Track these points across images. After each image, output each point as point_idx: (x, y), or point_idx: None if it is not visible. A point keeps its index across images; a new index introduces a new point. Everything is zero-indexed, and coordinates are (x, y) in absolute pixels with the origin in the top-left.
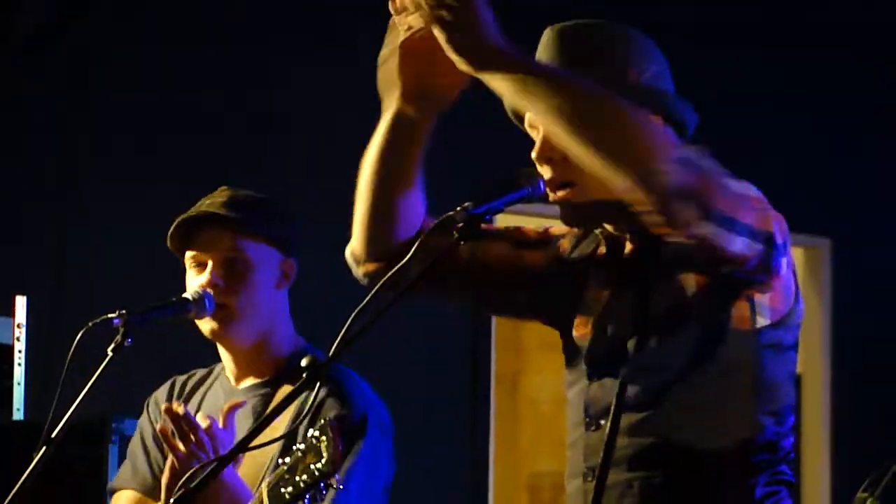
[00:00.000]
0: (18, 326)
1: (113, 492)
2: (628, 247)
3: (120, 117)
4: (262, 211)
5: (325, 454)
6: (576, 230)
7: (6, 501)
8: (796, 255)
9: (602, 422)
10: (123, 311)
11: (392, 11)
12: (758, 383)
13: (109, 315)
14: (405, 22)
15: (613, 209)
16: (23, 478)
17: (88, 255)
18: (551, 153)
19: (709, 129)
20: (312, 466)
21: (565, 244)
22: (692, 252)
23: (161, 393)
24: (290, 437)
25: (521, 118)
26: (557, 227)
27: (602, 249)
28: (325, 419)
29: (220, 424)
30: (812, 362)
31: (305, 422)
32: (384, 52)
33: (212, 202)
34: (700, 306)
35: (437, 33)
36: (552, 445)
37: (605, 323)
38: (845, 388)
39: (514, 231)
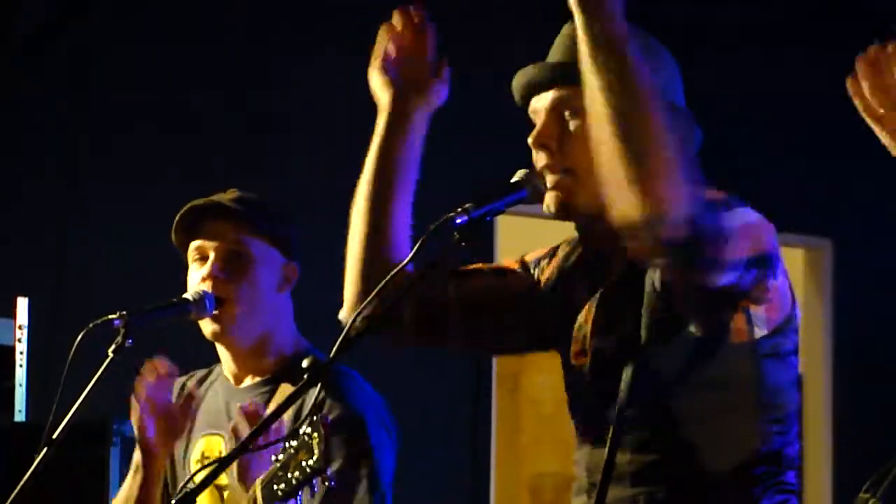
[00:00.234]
0: (20, 328)
1: None
2: (619, 264)
3: (120, 118)
4: (268, 212)
5: (316, 451)
6: (563, 247)
7: (8, 503)
8: (797, 256)
9: (606, 438)
10: (124, 312)
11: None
12: (760, 393)
13: (110, 316)
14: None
15: (604, 202)
16: (24, 479)
17: (89, 257)
18: (548, 140)
19: (710, 131)
20: (304, 463)
21: (543, 265)
22: (679, 294)
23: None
24: (289, 439)
25: (527, 101)
26: (531, 252)
27: (581, 255)
28: (317, 416)
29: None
30: (813, 363)
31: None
32: (374, 55)
33: (219, 197)
34: (695, 321)
35: None
36: (554, 445)
37: (601, 344)
38: (846, 388)
39: (492, 266)
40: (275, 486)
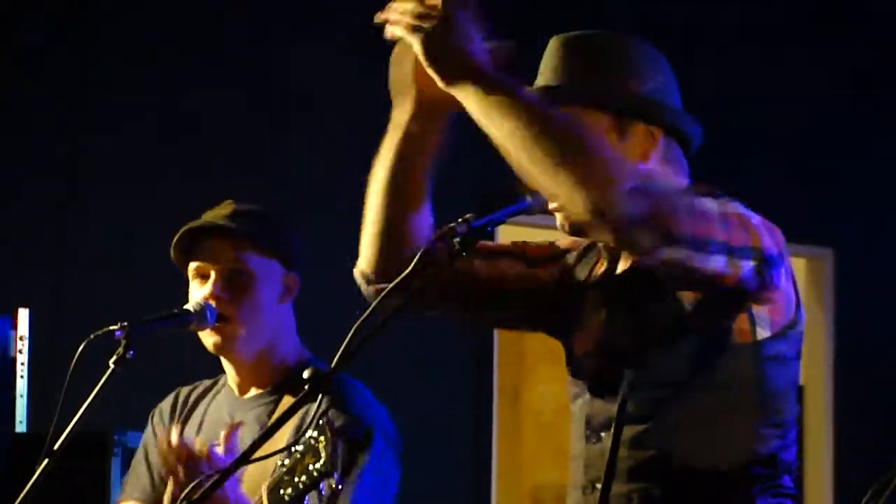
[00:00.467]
0: (21, 339)
1: None
2: (625, 261)
3: (121, 128)
4: (265, 224)
5: (323, 454)
6: (581, 242)
7: None
8: (798, 265)
9: (603, 435)
10: (125, 324)
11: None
12: (760, 396)
13: (111, 327)
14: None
15: None
16: (25, 490)
17: (90, 268)
18: None
19: (711, 138)
20: (311, 467)
21: (570, 259)
22: (668, 275)
23: (165, 405)
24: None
25: None
26: (563, 239)
27: (603, 264)
28: (323, 421)
29: (221, 444)
30: (815, 372)
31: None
32: (396, 51)
33: (215, 214)
34: (698, 320)
35: (414, 42)
36: (554, 456)
37: (605, 337)
38: (848, 398)
39: (523, 248)
40: (281, 491)
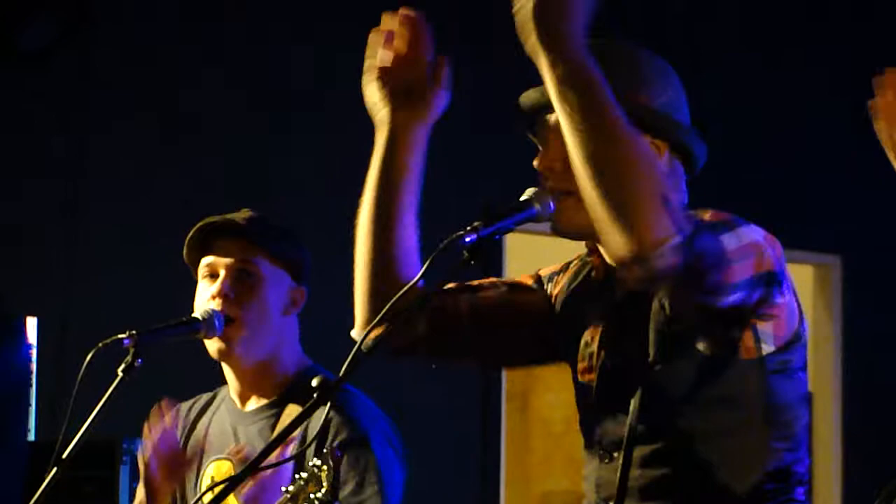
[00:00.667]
0: (30, 348)
1: None
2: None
3: (126, 139)
4: (279, 234)
5: (324, 483)
6: (575, 263)
7: None
8: (806, 273)
9: (615, 454)
10: (133, 332)
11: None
12: (768, 410)
13: (119, 336)
14: (382, 54)
15: None
16: (34, 499)
17: (98, 276)
18: (553, 163)
19: (718, 148)
20: (313, 496)
21: (559, 282)
22: (684, 313)
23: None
24: (298, 460)
25: (531, 123)
26: (546, 268)
27: (595, 276)
28: (327, 448)
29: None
30: (822, 380)
31: (314, 445)
32: (367, 65)
33: (233, 216)
34: (703, 339)
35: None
36: (563, 464)
37: (611, 358)
38: (855, 405)
39: (506, 280)
40: None
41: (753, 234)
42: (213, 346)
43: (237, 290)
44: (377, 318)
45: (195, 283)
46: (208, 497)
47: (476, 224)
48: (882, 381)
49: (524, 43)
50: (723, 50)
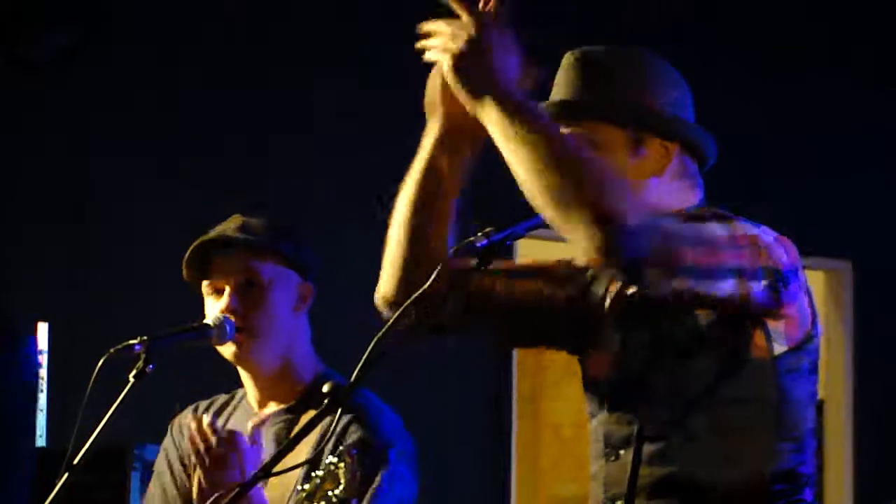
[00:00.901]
0: (40, 353)
1: None
2: None
3: (135, 140)
4: (275, 234)
5: (342, 480)
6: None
7: None
8: (817, 278)
9: (621, 452)
10: (145, 337)
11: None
12: (777, 410)
13: (131, 341)
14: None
15: None
16: None
17: (109, 282)
18: None
19: (729, 153)
20: (330, 493)
21: (587, 278)
22: (678, 303)
23: (184, 417)
24: (312, 463)
25: None
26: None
27: (616, 282)
28: (343, 446)
29: (248, 441)
30: (834, 386)
31: (328, 448)
32: (432, 73)
33: (224, 228)
34: (714, 337)
35: (444, 61)
36: (574, 469)
37: (622, 355)
38: (868, 411)
39: (542, 266)
40: None
41: (752, 229)
42: (227, 350)
43: (244, 303)
44: (393, 318)
45: (202, 294)
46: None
47: (488, 230)
48: (894, 386)
49: (466, 102)
50: (732, 51)
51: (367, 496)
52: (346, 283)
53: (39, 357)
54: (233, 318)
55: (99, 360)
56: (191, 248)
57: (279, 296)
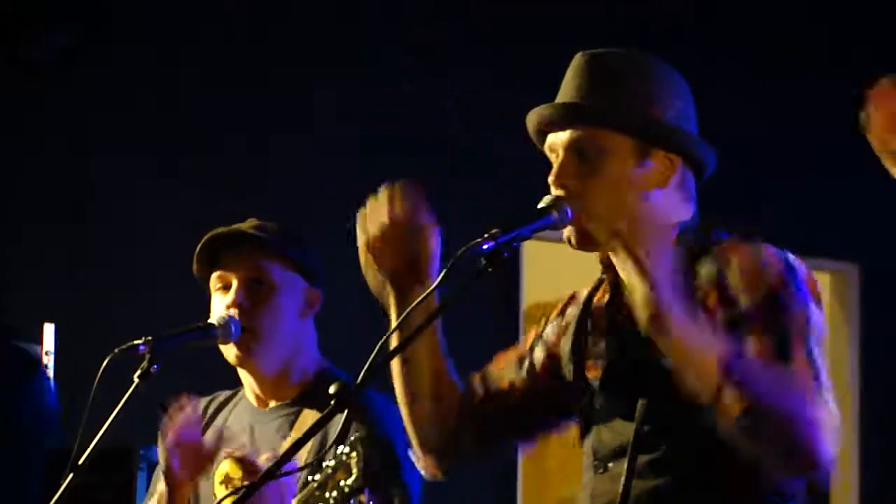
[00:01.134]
0: (46, 354)
1: None
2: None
3: (138, 141)
4: (288, 238)
5: (354, 470)
6: (560, 304)
7: None
8: (824, 280)
9: (610, 465)
10: (149, 338)
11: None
12: None
13: (135, 342)
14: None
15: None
16: None
17: (114, 282)
18: (566, 180)
19: (736, 155)
20: (342, 483)
21: (549, 332)
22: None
23: None
24: (317, 463)
25: (542, 139)
26: (545, 321)
27: (605, 297)
28: (354, 436)
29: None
30: (840, 388)
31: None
32: (361, 247)
33: (238, 225)
34: None
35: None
36: (580, 471)
37: (612, 368)
38: (874, 413)
39: (518, 359)
40: None
41: (801, 296)
42: (230, 352)
43: (251, 300)
44: (399, 320)
45: (210, 293)
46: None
47: (494, 231)
48: None
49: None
50: (732, 51)
51: (395, 477)
52: (345, 284)
53: (45, 358)
54: (238, 316)
55: (104, 360)
56: (203, 240)
57: (286, 300)
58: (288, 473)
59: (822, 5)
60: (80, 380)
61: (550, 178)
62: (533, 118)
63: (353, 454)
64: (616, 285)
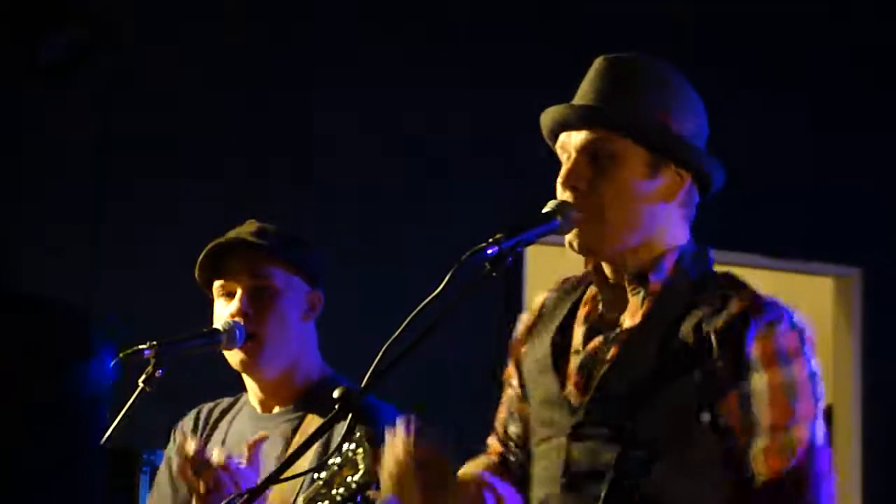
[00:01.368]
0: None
1: None
2: (631, 318)
3: (150, 144)
4: (288, 241)
5: (362, 466)
6: (533, 314)
7: None
8: (825, 285)
9: (583, 485)
10: (154, 342)
11: None
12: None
13: (140, 346)
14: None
15: (626, 246)
16: None
17: (120, 286)
18: (578, 181)
19: (739, 160)
20: (349, 479)
21: (524, 350)
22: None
23: (187, 421)
24: (318, 471)
25: (554, 138)
26: (521, 328)
27: (596, 310)
28: (360, 433)
29: (245, 459)
30: (842, 393)
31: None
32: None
33: (238, 232)
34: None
35: None
36: None
37: (598, 382)
38: (876, 419)
39: (512, 394)
40: None
41: (805, 378)
42: (234, 358)
43: (255, 307)
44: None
45: (212, 296)
46: None
47: (498, 236)
48: None
49: None
50: (732, 51)
51: None
52: (348, 288)
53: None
54: (243, 323)
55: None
56: (204, 251)
57: (289, 304)
58: (293, 478)
59: (821, 5)
60: None
61: (560, 179)
62: (549, 116)
63: (360, 450)
64: (605, 297)
